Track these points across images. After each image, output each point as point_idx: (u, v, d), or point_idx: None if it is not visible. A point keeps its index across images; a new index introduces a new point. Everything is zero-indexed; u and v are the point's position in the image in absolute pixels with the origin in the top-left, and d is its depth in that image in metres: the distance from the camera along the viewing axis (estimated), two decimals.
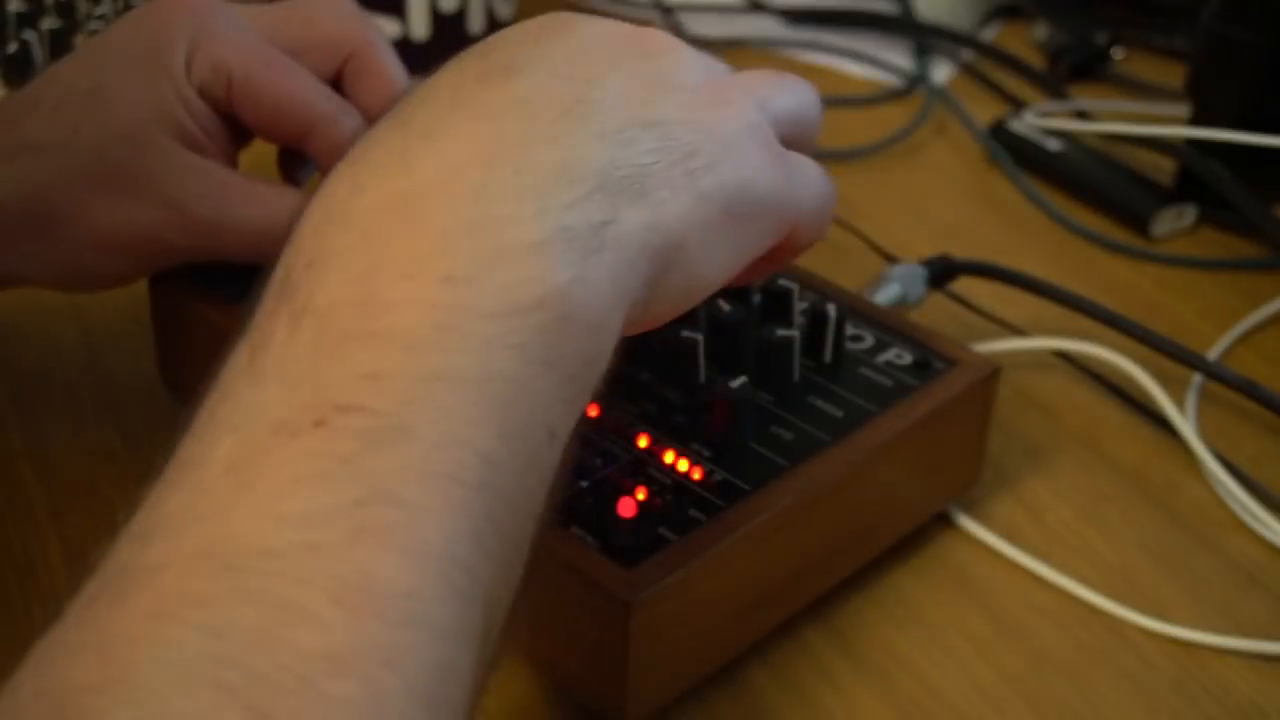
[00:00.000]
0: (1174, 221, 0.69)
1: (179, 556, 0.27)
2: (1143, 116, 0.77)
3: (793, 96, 0.40)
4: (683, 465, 0.43)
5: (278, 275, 0.31)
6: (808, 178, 0.39)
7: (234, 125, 0.49)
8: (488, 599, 0.29)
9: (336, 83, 0.51)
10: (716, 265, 0.36)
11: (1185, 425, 0.54)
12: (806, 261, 0.54)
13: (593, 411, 0.45)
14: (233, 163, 0.50)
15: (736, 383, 0.44)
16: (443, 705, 0.27)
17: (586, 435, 0.44)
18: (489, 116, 0.33)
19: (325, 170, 0.47)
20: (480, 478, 0.29)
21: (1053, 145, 0.72)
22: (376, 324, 0.29)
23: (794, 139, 0.39)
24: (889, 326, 0.50)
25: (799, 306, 0.49)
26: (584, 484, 0.42)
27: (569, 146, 0.33)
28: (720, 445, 0.44)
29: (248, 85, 0.47)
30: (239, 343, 0.30)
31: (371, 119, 0.51)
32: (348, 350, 0.29)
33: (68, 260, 0.48)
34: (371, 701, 0.25)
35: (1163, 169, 0.71)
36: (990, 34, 0.89)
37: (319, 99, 0.48)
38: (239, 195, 0.47)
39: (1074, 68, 0.83)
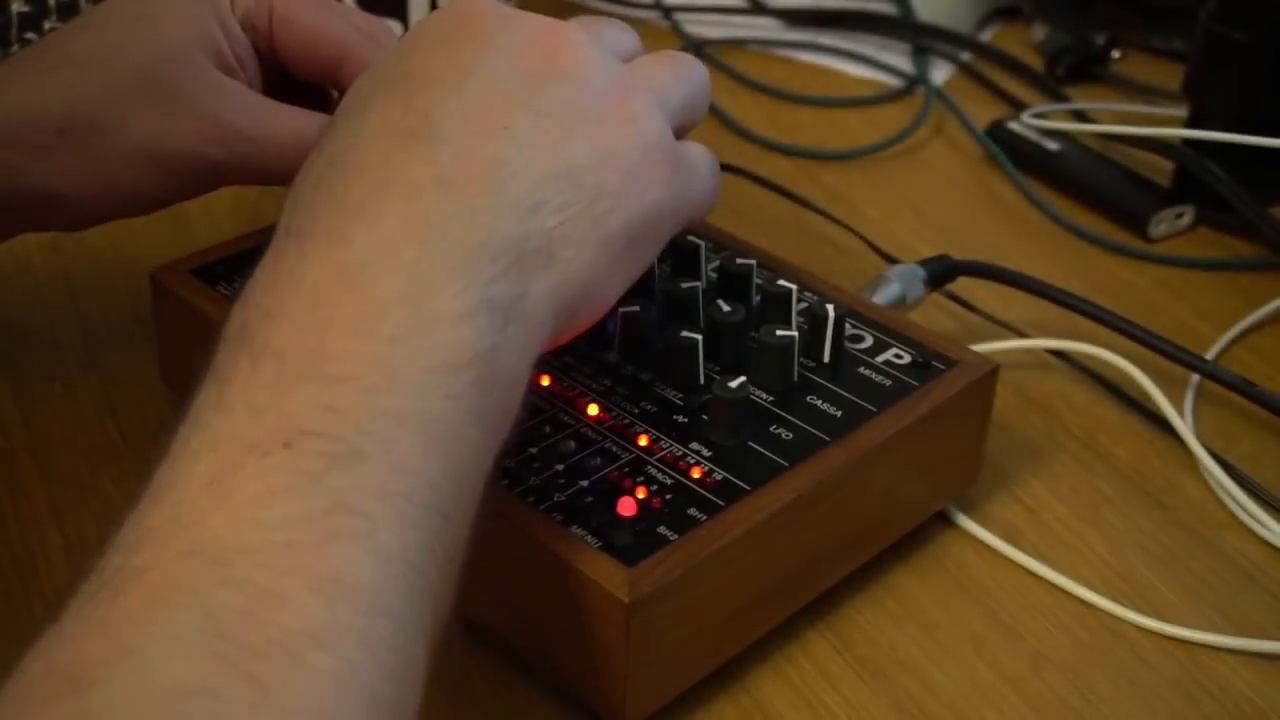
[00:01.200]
0: (1172, 222, 0.69)
1: (169, 556, 0.29)
2: (1141, 117, 0.77)
3: (686, 84, 0.44)
4: (683, 465, 0.43)
5: (234, 324, 0.34)
6: (698, 172, 0.43)
7: (265, 66, 0.52)
8: (436, 598, 0.32)
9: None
10: (614, 292, 0.41)
11: (1183, 425, 0.55)
12: (806, 261, 0.54)
13: (593, 409, 0.45)
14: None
15: (736, 383, 0.44)
16: (403, 684, 0.30)
17: (587, 435, 0.44)
18: (415, 195, 0.36)
19: None
20: (427, 500, 0.32)
21: (1051, 146, 0.73)
22: (331, 368, 0.33)
23: (688, 123, 0.43)
24: (888, 327, 0.50)
25: (799, 307, 0.49)
26: (584, 484, 0.42)
27: (487, 225, 0.36)
28: (720, 445, 0.44)
29: (287, 16, 0.51)
30: (204, 381, 0.34)
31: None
32: (306, 387, 0.32)
33: (107, 175, 0.49)
34: (349, 674, 0.29)
35: (1161, 169, 0.71)
36: (989, 35, 0.89)
37: (351, 29, 0.52)
38: (271, 112, 0.50)
39: (1072, 69, 0.83)
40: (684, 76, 0.44)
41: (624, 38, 0.45)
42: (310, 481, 0.31)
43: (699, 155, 0.44)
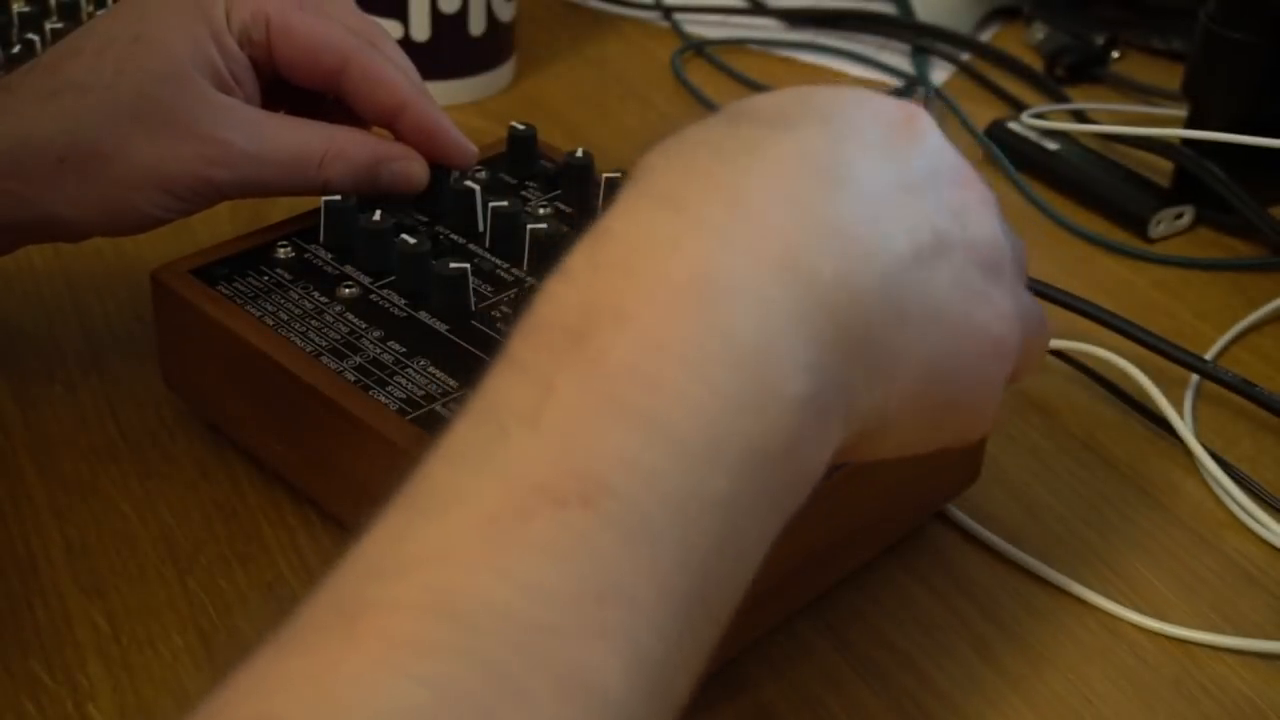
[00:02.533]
0: (1171, 222, 0.69)
1: (418, 601, 0.26)
2: (1140, 118, 0.77)
3: (1042, 327, 0.40)
4: None
5: (572, 302, 0.31)
6: (1033, 334, 0.39)
7: (262, 82, 0.52)
8: (675, 709, 0.29)
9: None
10: (903, 449, 0.37)
11: (1183, 425, 0.55)
12: None
13: None
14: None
15: None
16: None
17: None
18: (812, 228, 0.32)
19: (362, 100, 0.52)
20: (703, 597, 0.29)
21: (1051, 146, 0.73)
22: (656, 415, 0.29)
23: (1020, 368, 0.39)
24: None
25: None
26: None
27: (859, 302, 0.32)
28: None
29: (285, 26, 0.51)
30: (516, 370, 0.30)
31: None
32: (626, 431, 0.29)
33: (109, 200, 0.49)
34: None
35: (1160, 170, 0.71)
36: (988, 35, 0.89)
37: (349, 36, 0.51)
38: (272, 126, 0.50)
39: (1071, 69, 0.83)
40: (1044, 329, 0.41)
41: (1021, 247, 0.40)
42: (592, 553, 0.27)
43: (1035, 311, 0.40)
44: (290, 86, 0.53)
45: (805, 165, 0.33)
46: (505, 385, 0.30)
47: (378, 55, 0.52)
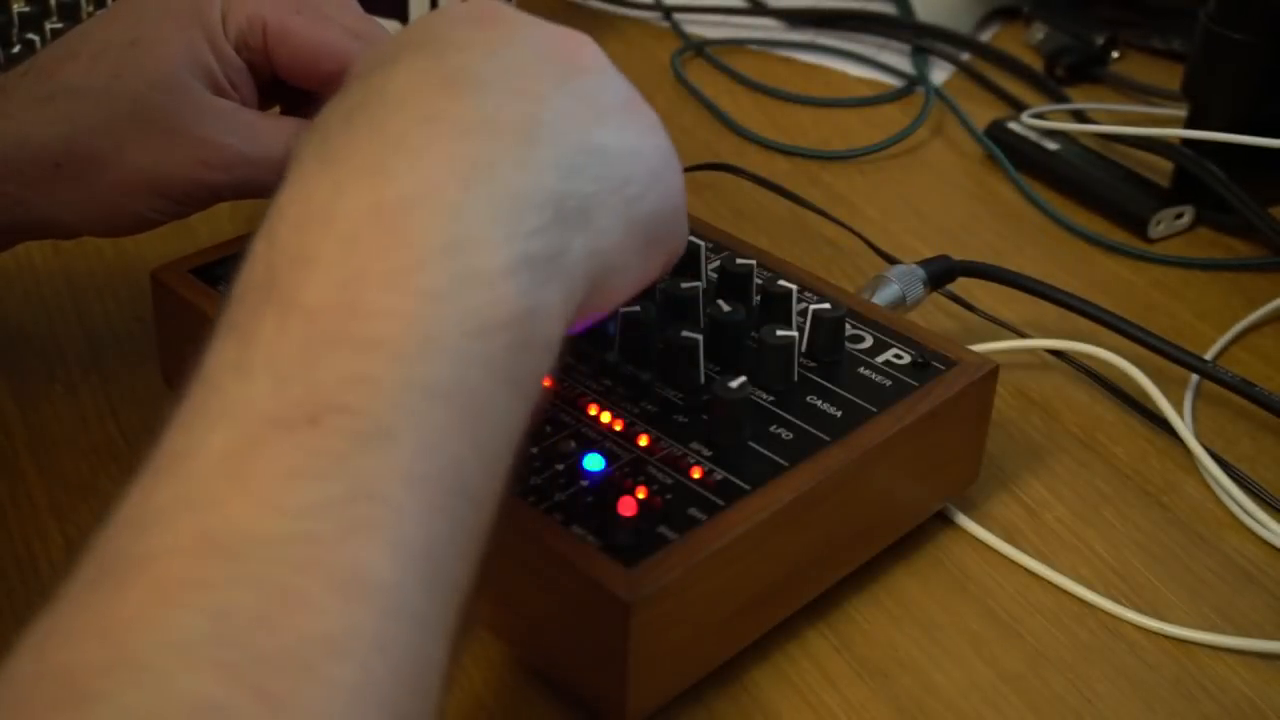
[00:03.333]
0: (1171, 222, 0.69)
1: (179, 543, 0.27)
2: (1140, 118, 0.77)
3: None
4: (683, 465, 0.43)
5: (257, 267, 0.32)
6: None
7: (259, 82, 0.52)
8: (458, 592, 0.31)
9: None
10: (632, 284, 0.40)
11: (1183, 425, 0.55)
12: (806, 261, 0.54)
13: (592, 410, 0.45)
14: None
15: (736, 383, 0.44)
16: (422, 692, 0.29)
17: (587, 435, 0.44)
18: (461, 135, 0.34)
19: None
20: (454, 484, 0.31)
21: (1050, 146, 0.73)
22: (363, 330, 0.31)
23: None
24: (888, 327, 0.50)
25: (798, 307, 0.49)
26: (584, 483, 0.43)
27: (533, 173, 0.35)
28: (720, 445, 0.44)
29: (282, 31, 0.50)
30: (222, 335, 0.31)
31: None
32: (337, 352, 0.30)
33: (106, 203, 0.49)
34: (366, 685, 0.27)
35: (1160, 169, 0.71)
36: (988, 35, 0.89)
37: (349, 39, 0.51)
38: (268, 130, 0.50)
39: (1071, 69, 0.83)
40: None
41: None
42: (335, 464, 0.29)
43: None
44: (288, 86, 0.53)
45: (426, 84, 0.36)
46: (215, 350, 0.31)
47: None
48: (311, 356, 0.30)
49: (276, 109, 0.55)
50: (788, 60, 0.85)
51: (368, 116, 0.35)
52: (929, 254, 0.59)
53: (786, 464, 0.43)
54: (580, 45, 0.40)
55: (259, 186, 0.50)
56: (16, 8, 0.72)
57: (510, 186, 0.34)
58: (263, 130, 0.50)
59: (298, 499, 0.28)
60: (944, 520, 0.51)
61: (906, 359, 0.48)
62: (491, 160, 0.34)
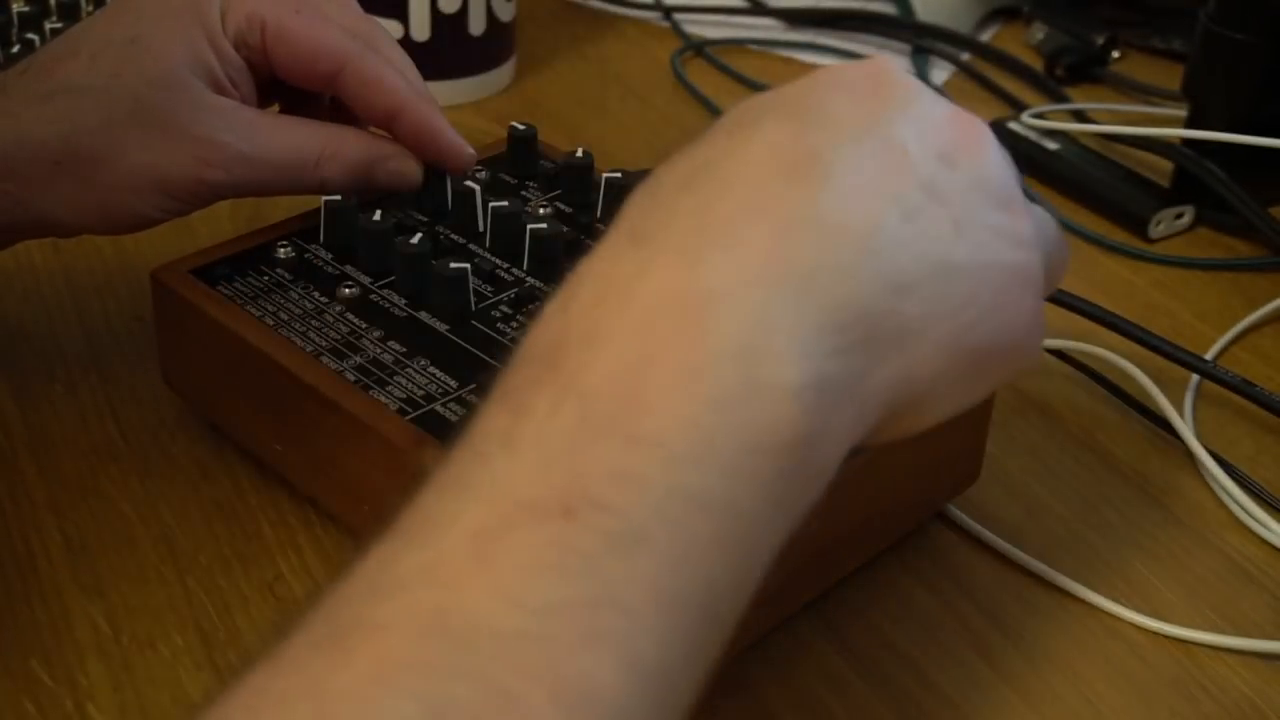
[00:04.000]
0: (1171, 222, 0.69)
1: (410, 621, 0.26)
2: (1140, 118, 0.77)
3: (1060, 240, 0.40)
4: None
5: (545, 335, 0.31)
6: (1042, 330, 0.39)
7: (258, 81, 0.52)
8: (681, 715, 0.29)
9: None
10: (943, 414, 0.36)
11: (1183, 425, 0.55)
12: None
13: None
14: None
15: None
16: None
17: None
18: (788, 232, 0.32)
19: (358, 104, 0.52)
20: (702, 602, 0.29)
21: (1051, 146, 0.73)
22: (638, 426, 0.29)
23: (1051, 274, 0.39)
24: None
25: None
26: None
27: (854, 287, 0.32)
28: None
29: (281, 30, 0.50)
30: (496, 401, 0.30)
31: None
32: (607, 443, 0.29)
33: (105, 201, 0.49)
34: None
35: (1160, 169, 0.71)
36: (988, 35, 0.89)
37: (348, 39, 0.51)
38: (268, 128, 0.50)
39: (1071, 69, 0.83)
40: (1060, 235, 0.41)
41: (1017, 173, 0.39)
42: (583, 563, 0.27)
43: (1044, 317, 0.39)
44: (287, 85, 0.53)
45: (769, 164, 0.33)
46: (487, 415, 0.30)
47: (375, 58, 0.52)
48: (580, 444, 0.29)
49: (275, 107, 0.55)
50: (788, 60, 0.85)
51: (697, 192, 0.33)
52: None
53: None
54: (973, 137, 0.37)
55: (258, 185, 0.50)
56: (16, 8, 0.72)
57: (823, 299, 0.32)
58: (262, 129, 0.50)
59: (539, 596, 0.27)
60: (944, 520, 0.51)
61: None
62: (813, 266, 0.32)
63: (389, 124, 0.53)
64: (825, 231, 0.32)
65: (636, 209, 0.34)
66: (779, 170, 0.33)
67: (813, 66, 0.84)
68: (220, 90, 0.50)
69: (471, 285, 0.49)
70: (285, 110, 0.55)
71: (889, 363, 0.33)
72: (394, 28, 0.73)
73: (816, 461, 0.32)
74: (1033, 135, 0.73)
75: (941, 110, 0.37)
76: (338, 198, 0.52)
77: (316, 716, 0.25)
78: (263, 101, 0.53)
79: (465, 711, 0.25)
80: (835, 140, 0.34)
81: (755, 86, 0.81)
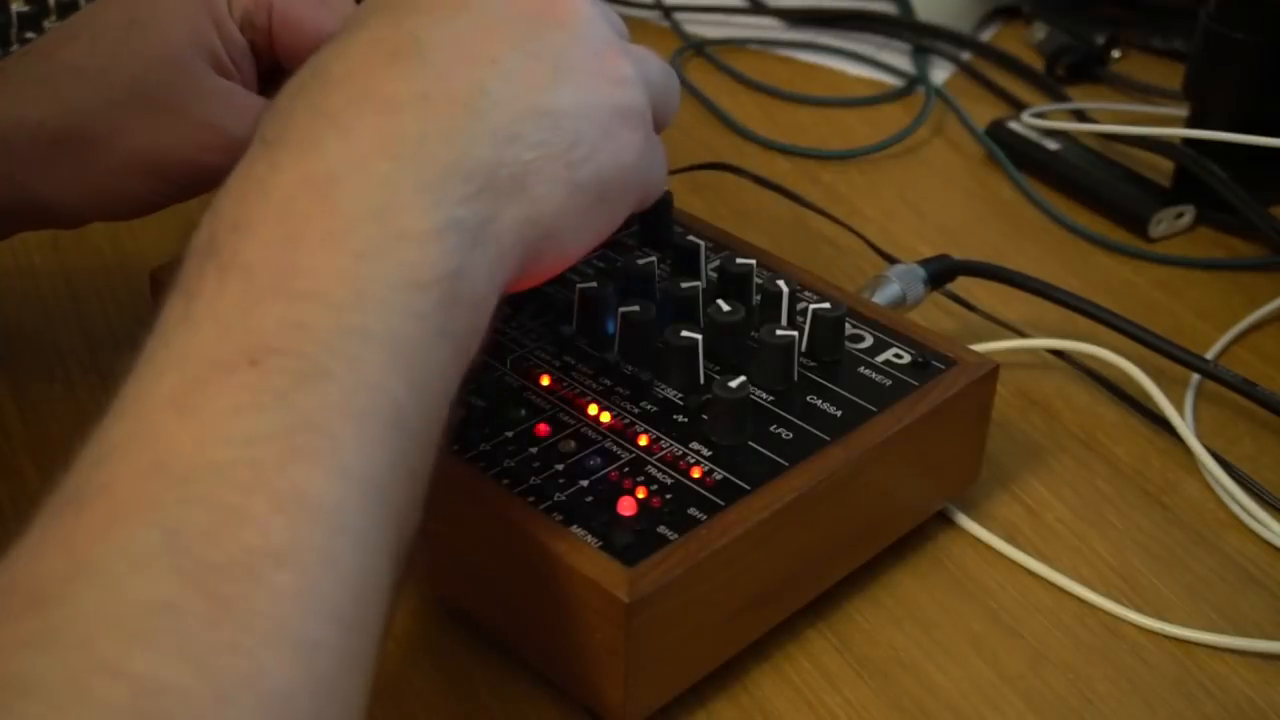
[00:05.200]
0: (1172, 222, 0.69)
1: (132, 472, 0.30)
2: (1141, 117, 0.77)
3: (668, 77, 0.45)
4: (683, 465, 0.43)
5: (202, 236, 0.34)
6: (660, 157, 0.44)
7: (261, 63, 0.52)
8: (398, 519, 0.33)
9: None
10: (582, 244, 0.41)
11: (1183, 425, 0.55)
12: (806, 261, 0.54)
13: (593, 409, 0.45)
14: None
15: (736, 383, 0.44)
16: (367, 605, 0.31)
17: (587, 435, 0.44)
18: (393, 110, 0.36)
19: None
20: (391, 418, 0.33)
21: (1051, 146, 0.73)
22: (298, 284, 0.33)
23: (659, 118, 0.43)
24: (888, 326, 0.50)
25: (798, 306, 0.49)
26: (584, 483, 0.42)
27: (461, 146, 0.36)
28: (720, 445, 0.44)
29: (286, 14, 0.51)
30: (171, 296, 0.33)
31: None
32: (273, 303, 0.32)
33: (104, 184, 0.49)
34: (311, 592, 0.29)
35: (1161, 169, 0.71)
36: (989, 35, 0.89)
37: None
38: None
39: (1072, 68, 0.83)
40: (667, 71, 0.45)
41: (617, 20, 0.44)
42: (275, 399, 0.31)
43: (660, 145, 0.44)
44: (288, 72, 0.53)
45: (372, 55, 0.37)
46: (165, 306, 0.33)
47: None
48: (250, 307, 0.32)
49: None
50: (788, 60, 0.85)
51: (309, 97, 0.37)
52: (929, 253, 0.59)
53: (786, 464, 0.43)
54: (561, 1, 0.41)
55: None
56: (15, 7, 0.72)
57: (437, 159, 0.36)
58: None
59: (241, 430, 0.30)
60: (944, 520, 0.51)
61: (907, 358, 0.48)
62: (420, 133, 0.36)
63: None
64: (429, 104, 0.36)
65: (265, 118, 0.37)
66: (380, 58, 0.37)
67: (813, 66, 0.84)
68: (222, 72, 0.50)
69: None
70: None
71: (515, 203, 0.37)
72: None
73: (467, 293, 0.35)
74: (1033, 135, 0.73)
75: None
76: None
77: (67, 558, 0.28)
78: (264, 88, 0.53)
79: (199, 527, 0.28)
80: (429, 21, 0.38)
81: (755, 86, 0.81)
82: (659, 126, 0.44)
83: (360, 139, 0.35)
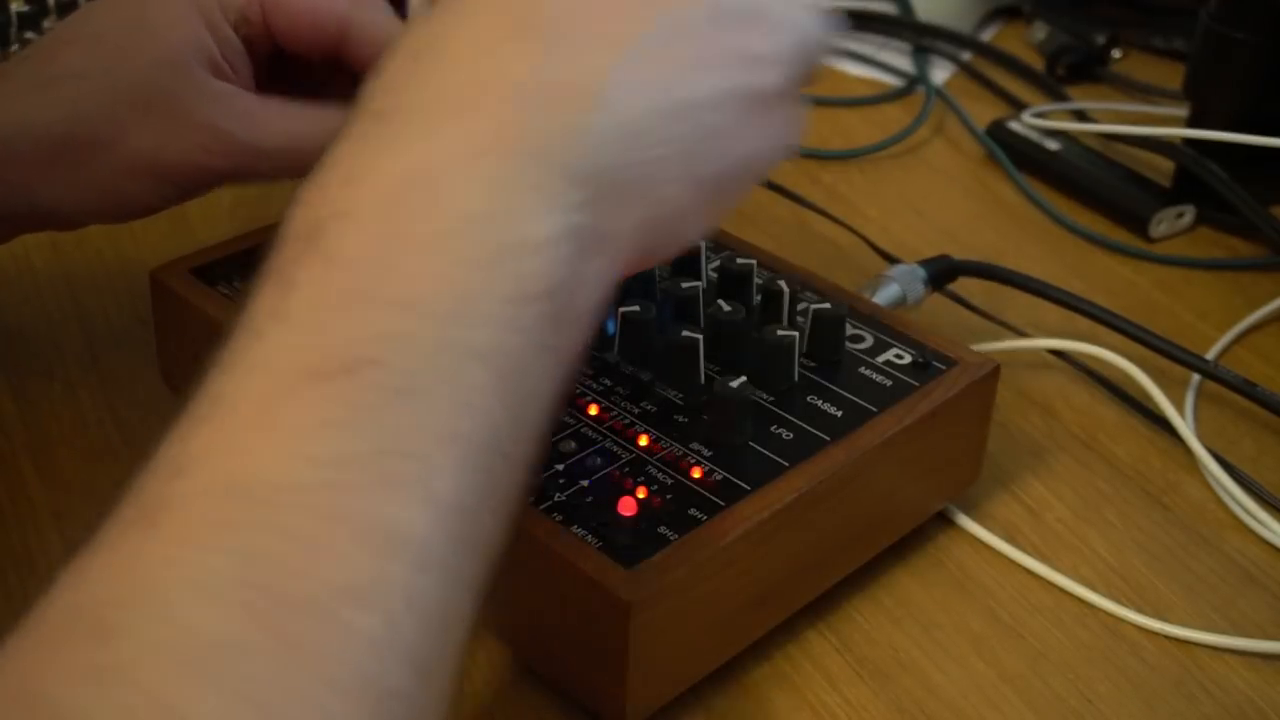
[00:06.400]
0: (1172, 222, 0.69)
1: (210, 488, 0.28)
2: (1141, 117, 0.77)
3: (809, 30, 0.39)
4: (683, 465, 0.43)
5: (306, 216, 0.32)
6: (795, 126, 0.39)
7: (258, 58, 0.51)
8: (485, 551, 0.31)
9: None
10: (700, 235, 0.38)
11: (1184, 425, 0.55)
12: (806, 261, 0.54)
13: (593, 409, 0.45)
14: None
15: (736, 383, 0.44)
16: (448, 645, 0.29)
17: (587, 435, 0.44)
18: (516, 99, 0.33)
19: (367, 65, 0.49)
20: (487, 440, 0.30)
21: (1051, 146, 0.73)
22: (400, 289, 0.31)
23: (804, 77, 0.39)
24: (888, 327, 0.50)
25: (798, 306, 0.49)
26: (584, 484, 0.42)
27: (585, 143, 0.33)
28: (720, 445, 0.44)
29: (278, 1, 0.50)
30: (265, 281, 0.31)
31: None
32: (372, 308, 0.30)
33: (105, 187, 0.49)
34: (388, 634, 0.27)
35: (1161, 169, 0.71)
36: (989, 35, 0.89)
37: (346, 1, 0.51)
38: (269, 115, 0.50)
39: (1072, 68, 0.83)
40: (810, 24, 0.39)
41: None
42: (367, 416, 0.29)
43: (799, 114, 0.39)
44: (290, 67, 0.53)
45: (495, 29, 0.34)
46: (259, 295, 0.31)
47: (377, 14, 0.51)
48: (347, 309, 0.30)
49: (279, 93, 0.54)
50: None
51: (424, 68, 0.34)
52: (929, 254, 0.59)
53: (786, 464, 0.43)
54: None
55: (259, 173, 0.50)
56: (15, 8, 0.72)
57: (557, 158, 0.33)
58: (264, 116, 0.50)
59: (328, 449, 0.28)
60: (944, 520, 0.51)
61: (907, 359, 0.48)
62: (541, 130, 0.33)
63: None
64: (554, 92, 0.33)
65: (379, 86, 0.34)
66: (506, 32, 0.34)
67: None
68: (219, 74, 0.50)
69: None
70: (297, 94, 0.54)
71: (635, 206, 0.34)
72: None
73: (575, 306, 0.33)
74: (1033, 135, 0.73)
75: None
76: None
77: (131, 582, 0.26)
78: (265, 87, 0.52)
79: (274, 557, 0.27)
80: None
81: None
82: (805, 84, 0.39)
83: (478, 130, 0.33)
